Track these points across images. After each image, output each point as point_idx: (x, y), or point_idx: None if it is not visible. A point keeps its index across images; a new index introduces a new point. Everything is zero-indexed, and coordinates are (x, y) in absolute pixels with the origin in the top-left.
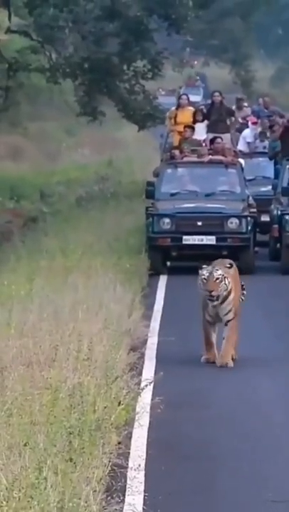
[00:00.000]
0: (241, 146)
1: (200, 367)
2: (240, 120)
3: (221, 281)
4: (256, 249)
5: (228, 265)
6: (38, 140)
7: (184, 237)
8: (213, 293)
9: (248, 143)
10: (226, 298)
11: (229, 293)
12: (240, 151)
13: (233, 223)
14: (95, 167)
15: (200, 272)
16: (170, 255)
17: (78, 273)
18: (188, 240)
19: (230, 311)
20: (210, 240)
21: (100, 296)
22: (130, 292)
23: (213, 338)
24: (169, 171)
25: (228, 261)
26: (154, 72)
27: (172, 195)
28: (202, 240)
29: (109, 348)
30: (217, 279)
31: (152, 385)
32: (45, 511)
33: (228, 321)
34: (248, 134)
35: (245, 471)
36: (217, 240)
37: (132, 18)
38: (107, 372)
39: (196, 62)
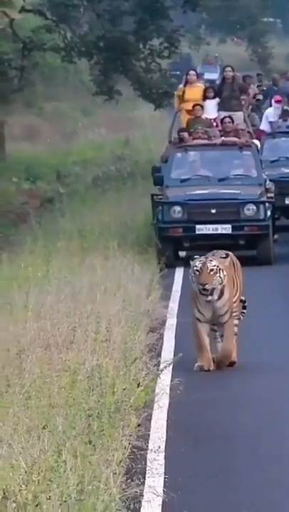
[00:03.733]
0: (264, 126)
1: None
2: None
3: (216, 273)
4: (275, 236)
5: (224, 255)
6: (54, 120)
7: (197, 226)
8: (207, 286)
9: (271, 122)
10: (221, 295)
11: (223, 289)
12: (263, 130)
13: (250, 210)
14: (111, 147)
15: (192, 263)
16: (182, 246)
17: (96, 254)
18: (202, 229)
19: (226, 312)
20: (225, 228)
21: (117, 277)
22: (148, 273)
23: (206, 340)
24: (179, 155)
25: (223, 251)
26: (170, 50)
27: (183, 181)
28: (217, 229)
29: (127, 330)
30: (211, 270)
31: (171, 366)
32: (65, 494)
33: (225, 322)
34: (270, 112)
35: (264, 453)
36: (233, 228)
37: None
38: (125, 354)
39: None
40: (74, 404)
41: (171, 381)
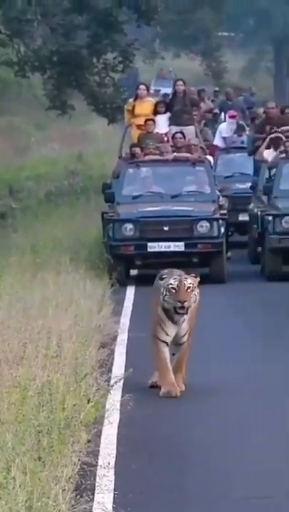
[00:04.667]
0: (217, 141)
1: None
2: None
3: (192, 290)
4: (228, 254)
5: (194, 275)
6: (7, 134)
7: (149, 244)
8: (185, 304)
9: (224, 137)
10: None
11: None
12: (216, 146)
13: (203, 227)
14: (64, 161)
15: (164, 281)
16: (134, 264)
17: (48, 269)
18: (154, 247)
19: (187, 332)
20: (178, 246)
21: (69, 292)
22: (100, 288)
23: (169, 363)
24: (131, 171)
25: (178, 270)
26: (124, 64)
27: (135, 197)
28: (169, 246)
29: (78, 345)
30: (188, 288)
31: (122, 381)
32: (14, 511)
33: (184, 342)
34: (224, 127)
35: (215, 469)
36: (186, 246)
37: (102, 10)
38: (76, 370)
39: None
40: (24, 420)
41: (122, 397)
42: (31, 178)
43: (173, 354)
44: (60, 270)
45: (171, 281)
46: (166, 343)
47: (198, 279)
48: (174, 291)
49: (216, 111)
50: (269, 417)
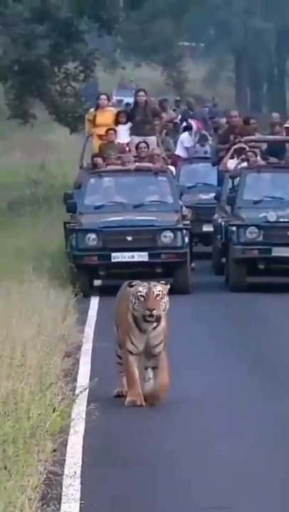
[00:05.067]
0: (179, 151)
1: None
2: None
3: (162, 298)
4: (192, 265)
5: (164, 282)
6: None
7: (113, 254)
8: (154, 312)
9: (187, 148)
10: (158, 324)
11: (161, 317)
12: (178, 156)
13: (167, 237)
14: (26, 171)
15: (134, 288)
16: (98, 274)
17: (11, 278)
18: (118, 257)
19: (162, 341)
20: (142, 256)
21: (33, 301)
22: (64, 297)
23: (137, 374)
24: (92, 181)
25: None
26: (85, 73)
27: (97, 207)
28: (133, 256)
29: (43, 354)
30: (157, 295)
31: (87, 391)
32: None
33: (159, 352)
34: (186, 137)
35: (182, 478)
36: (150, 256)
37: (62, 19)
38: (41, 379)
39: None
40: None
41: (87, 406)
42: None
43: (146, 368)
44: (23, 279)
45: (140, 288)
46: (133, 354)
47: (168, 286)
48: (142, 298)
49: (177, 121)
50: (233, 427)
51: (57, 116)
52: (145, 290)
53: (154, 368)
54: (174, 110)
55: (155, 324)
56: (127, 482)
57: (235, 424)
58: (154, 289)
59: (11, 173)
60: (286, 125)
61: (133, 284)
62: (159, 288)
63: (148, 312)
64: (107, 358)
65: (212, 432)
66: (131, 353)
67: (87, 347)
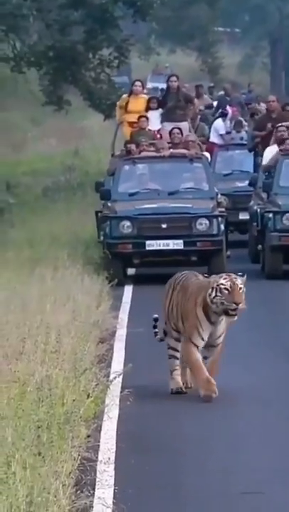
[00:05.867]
0: (213, 138)
1: None
2: (201, 108)
3: (243, 292)
4: (228, 253)
5: (241, 274)
6: (4, 130)
7: (148, 242)
8: (240, 305)
9: (221, 135)
10: None
11: None
12: (213, 143)
13: (202, 224)
14: (61, 157)
15: (212, 280)
16: (132, 263)
17: (45, 264)
18: (153, 245)
19: (223, 332)
20: (177, 244)
21: (67, 287)
22: (98, 283)
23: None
24: (127, 167)
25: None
26: (120, 60)
27: (131, 195)
28: (168, 244)
29: (77, 340)
30: (240, 288)
31: (121, 377)
32: (14, 506)
33: (218, 344)
34: (219, 125)
35: (214, 464)
36: (185, 244)
37: (97, 5)
38: (75, 365)
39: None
40: (23, 415)
41: (121, 392)
42: (28, 173)
43: (205, 358)
44: (57, 265)
45: (222, 281)
46: (198, 347)
47: (245, 278)
48: (226, 291)
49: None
50: (265, 416)
51: (91, 103)
52: (229, 283)
53: (205, 358)
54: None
55: (236, 318)
56: (161, 468)
57: (267, 412)
58: (237, 282)
59: (46, 159)
60: None
61: (210, 276)
62: (240, 281)
63: (234, 306)
64: (141, 343)
65: (244, 419)
66: (197, 346)
67: (121, 333)
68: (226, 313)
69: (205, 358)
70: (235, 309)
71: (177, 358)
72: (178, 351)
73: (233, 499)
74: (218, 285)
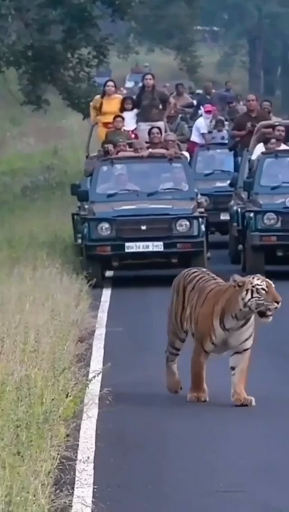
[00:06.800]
0: (195, 138)
1: (148, 357)
2: (180, 107)
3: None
4: (208, 254)
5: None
6: None
7: (127, 244)
8: (279, 304)
9: (203, 134)
10: (249, 318)
11: None
12: (194, 142)
13: (182, 226)
14: (40, 156)
15: (252, 281)
16: (110, 265)
17: (24, 264)
18: (132, 247)
19: (250, 335)
20: (157, 246)
21: (46, 287)
22: (77, 283)
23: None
24: (104, 168)
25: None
26: (98, 59)
27: (109, 196)
28: (148, 246)
29: (56, 340)
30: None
31: (100, 376)
32: None
33: (246, 349)
34: (201, 124)
35: (195, 462)
36: (165, 246)
37: (76, 4)
38: (54, 364)
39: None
40: (2, 415)
41: (100, 391)
42: (7, 173)
43: (232, 368)
44: (36, 265)
45: (257, 281)
46: (208, 354)
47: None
48: (264, 292)
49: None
50: (245, 414)
51: (70, 102)
52: (265, 283)
53: (233, 368)
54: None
55: (242, 322)
56: (140, 466)
57: (247, 411)
58: (270, 282)
59: (25, 159)
60: None
61: (242, 277)
62: (270, 281)
63: (275, 304)
64: (120, 342)
65: (224, 418)
66: (206, 352)
67: (100, 332)
68: (263, 314)
69: (232, 368)
70: (275, 308)
71: (177, 355)
72: (179, 350)
73: (214, 497)
74: (253, 286)
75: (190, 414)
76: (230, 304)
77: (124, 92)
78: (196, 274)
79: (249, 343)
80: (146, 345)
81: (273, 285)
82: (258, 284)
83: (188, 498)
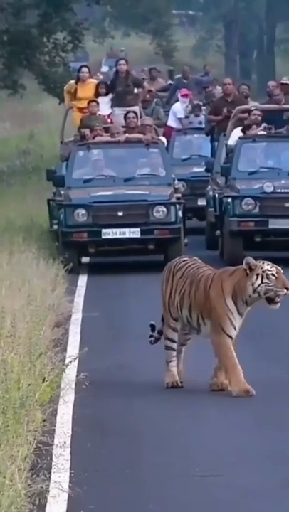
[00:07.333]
0: (171, 122)
1: (125, 342)
2: (154, 90)
3: None
4: (185, 240)
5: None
6: None
7: (103, 230)
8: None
9: (179, 119)
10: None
11: None
12: (170, 127)
13: (159, 212)
14: (16, 141)
15: (262, 265)
16: (87, 251)
17: (0, 249)
18: (109, 233)
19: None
20: (134, 232)
21: (22, 271)
22: (53, 268)
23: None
24: (81, 153)
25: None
26: (74, 43)
27: (86, 181)
28: (124, 233)
29: (32, 325)
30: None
31: (77, 361)
32: None
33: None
34: (178, 108)
35: (171, 447)
36: (142, 232)
37: None
38: (30, 349)
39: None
40: None
41: (77, 376)
42: None
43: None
44: (13, 250)
45: (267, 267)
46: (232, 338)
47: None
48: (273, 277)
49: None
50: (223, 398)
51: (46, 87)
52: (274, 269)
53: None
54: (169, 84)
55: (249, 308)
56: (117, 451)
57: (224, 395)
58: (279, 267)
59: (1, 144)
60: (282, 81)
61: (256, 260)
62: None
63: (285, 291)
64: (97, 327)
65: (201, 402)
66: (231, 337)
67: (77, 317)
68: (271, 300)
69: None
70: (285, 295)
71: (174, 350)
72: (175, 342)
73: (191, 482)
74: (263, 271)
75: (167, 399)
76: (239, 287)
77: (101, 77)
78: (185, 261)
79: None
80: (123, 330)
81: (282, 271)
82: (268, 270)
83: (165, 483)
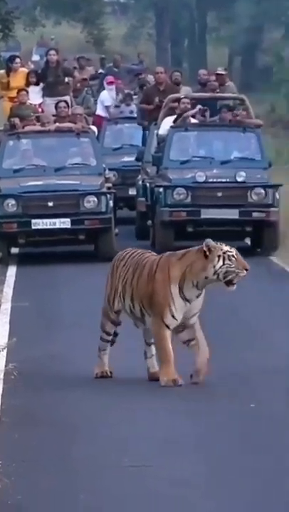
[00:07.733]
0: (100, 111)
1: (55, 332)
2: (86, 78)
3: None
4: (116, 230)
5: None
6: None
7: (33, 220)
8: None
9: (107, 107)
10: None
11: None
12: (100, 116)
13: (90, 202)
14: None
15: (221, 247)
16: (17, 242)
17: None
18: (39, 223)
19: (199, 310)
20: (64, 223)
21: None
22: None
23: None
24: (11, 143)
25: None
26: (4, 32)
27: (16, 171)
28: (55, 223)
29: None
30: None
31: (5, 351)
32: None
33: (194, 323)
34: (105, 96)
35: (103, 438)
36: (72, 222)
37: None
38: None
39: None
40: None
41: (6, 366)
42: None
43: (189, 341)
44: None
45: (227, 248)
46: (170, 328)
47: None
48: (234, 258)
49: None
50: (156, 389)
51: None
52: (233, 250)
53: (189, 341)
54: (100, 73)
55: (200, 292)
56: (48, 443)
57: (156, 384)
58: (236, 250)
59: None
60: (218, 72)
61: (217, 243)
62: None
63: (245, 272)
64: (26, 318)
65: (133, 392)
66: (168, 327)
67: (6, 307)
68: (230, 282)
69: (188, 341)
70: (244, 276)
71: (109, 341)
72: (111, 335)
73: (122, 472)
74: (224, 253)
75: (98, 389)
76: (193, 270)
77: (32, 66)
78: (128, 252)
79: (196, 317)
80: (53, 320)
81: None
82: (228, 251)
83: (95, 473)
